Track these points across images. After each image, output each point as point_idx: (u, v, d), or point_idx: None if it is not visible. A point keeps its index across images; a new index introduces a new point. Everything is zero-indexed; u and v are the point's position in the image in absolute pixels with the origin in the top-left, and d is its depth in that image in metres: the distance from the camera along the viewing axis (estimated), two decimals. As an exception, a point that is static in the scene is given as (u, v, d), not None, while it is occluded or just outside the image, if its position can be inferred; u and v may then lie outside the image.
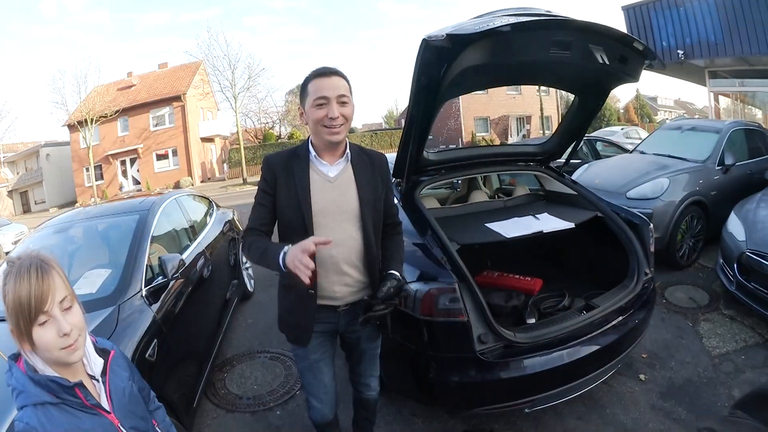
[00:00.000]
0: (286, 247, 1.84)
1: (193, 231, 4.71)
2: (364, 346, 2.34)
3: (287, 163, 2.11)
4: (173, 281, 3.30)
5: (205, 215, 5.51)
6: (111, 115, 33.09)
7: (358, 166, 2.16)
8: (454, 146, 32.60)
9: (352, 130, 44.14)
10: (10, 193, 42.18)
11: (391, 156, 3.27)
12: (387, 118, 61.72)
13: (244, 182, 29.50)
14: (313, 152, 2.11)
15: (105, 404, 1.39)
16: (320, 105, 1.99)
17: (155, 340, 2.79)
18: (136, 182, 35.67)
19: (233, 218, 6.34)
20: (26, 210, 41.53)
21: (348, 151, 2.14)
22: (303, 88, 2.06)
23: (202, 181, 35.27)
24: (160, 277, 3.24)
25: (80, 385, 1.32)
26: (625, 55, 2.78)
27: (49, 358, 1.28)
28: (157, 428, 1.61)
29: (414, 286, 2.69)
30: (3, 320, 2.88)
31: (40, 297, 1.24)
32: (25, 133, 69.24)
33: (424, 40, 2.30)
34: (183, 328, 3.32)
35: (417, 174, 3.48)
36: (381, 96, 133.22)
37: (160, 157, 35.36)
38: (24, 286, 1.23)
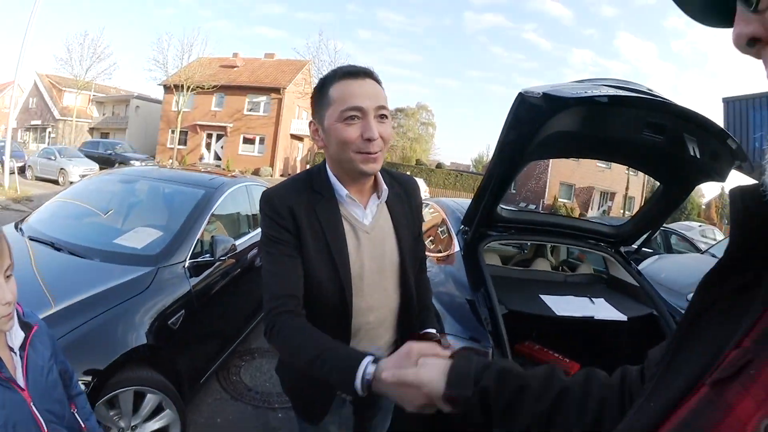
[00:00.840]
0: (368, 361, 1.12)
1: (255, 221, 4.80)
2: (382, 402, 1.92)
3: (308, 205, 1.50)
4: (219, 262, 3.37)
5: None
6: (208, 88, 34.55)
7: (395, 203, 1.65)
8: (534, 207, 32.21)
9: (438, 165, 44.11)
10: (91, 130, 44.75)
11: (466, 201, 3.21)
12: (476, 161, 61.90)
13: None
14: (343, 189, 1.52)
15: (20, 380, 1.27)
16: (351, 119, 1.40)
17: (183, 311, 2.87)
18: (218, 157, 37.10)
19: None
20: (103, 151, 44.02)
21: (385, 186, 1.59)
22: (321, 93, 1.48)
23: (281, 175, 36.02)
24: (207, 255, 3.31)
25: None
26: (717, 151, 2.60)
27: None
28: (75, 414, 1.49)
29: (449, 340, 2.62)
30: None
31: None
32: (118, 79, 72.73)
33: (520, 93, 2.24)
34: (215, 308, 3.39)
35: (486, 227, 3.41)
36: (474, 138, 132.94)
37: (246, 141, 36.65)
38: None
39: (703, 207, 48.43)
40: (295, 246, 1.47)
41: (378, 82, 1.47)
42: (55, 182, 18.84)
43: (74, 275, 2.81)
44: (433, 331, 1.71)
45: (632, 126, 2.43)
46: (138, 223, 3.58)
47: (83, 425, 1.50)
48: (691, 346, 0.59)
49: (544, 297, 3.27)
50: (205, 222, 3.54)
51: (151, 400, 2.58)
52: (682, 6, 0.58)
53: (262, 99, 36.20)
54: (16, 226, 3.66)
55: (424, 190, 24.54)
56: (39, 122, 45.58)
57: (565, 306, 3.18)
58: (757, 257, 0.55)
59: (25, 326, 1.35)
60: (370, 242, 1.57)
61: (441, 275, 3.32)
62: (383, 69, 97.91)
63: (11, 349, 1.28)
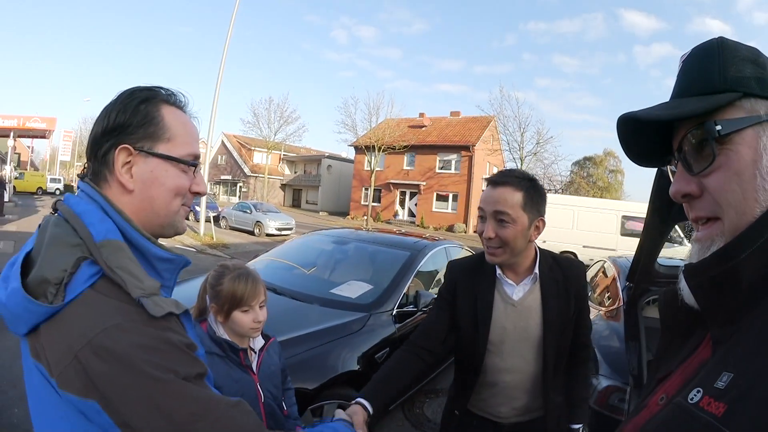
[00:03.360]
0: (362, 397, 1.67)
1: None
2: None
3: (472, 276, 1.88)
4: (420, 312, 3.98)
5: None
6: (399, 149, 35.58)
7: (548, 285, 1.84)
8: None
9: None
10: (283, 186, 48.49)
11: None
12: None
13: (516, 244, 28.88)
14: (499, 269, 1.84)
15: (254, 368, 1.84)
16: (480, 217, 1.74)
17: (387, 348, 3.52)
18: (411, 214, 37.78)
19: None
20: (295, 205, 47.29)
21: (537, 270, 1.84)
22: None
23: (474, 231, 34.92)
24: (411, 306, 3.95)
25: (244, 350, 1.80)
26: None
27: (236, 331, 1.79)
28: (282, 401, 2.00)
29: (600, 379, 3.06)
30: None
31: (252, 295, 1.77)
32: (307, 140, 77.78)
33: (659, 169, 2.62)
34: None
35: (646, 283, 3.62)
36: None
37: (440, 198, 36.66)
38: (240, 286, 1.75)
39: None
40: (449, 306, 1.91)
41: (518, 187, 1.70)
42: (251, 233, 21.07)
43: (300, 315, 3.52)
44: (578, 428, 1.93)
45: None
46: (347, 278, 4.25)
47: (286, 410, 2.01)
48: (659, 369, 0.88)
49: None
50: (411, 278, 4.18)
51: (349, 414, 3.28)
52: (627, 153, 0.82)
53: (453, 157, 36.40)
54: None
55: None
56: (229, 177, 50.60)
57: None
58: (681, 326, 0.86)
59: (265, 337, 1.97)
60: (516, 314, 1.83)
61: (607, 330, 3.74)
62: (565, 117, 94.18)
63: (252, 349, 1.89)
